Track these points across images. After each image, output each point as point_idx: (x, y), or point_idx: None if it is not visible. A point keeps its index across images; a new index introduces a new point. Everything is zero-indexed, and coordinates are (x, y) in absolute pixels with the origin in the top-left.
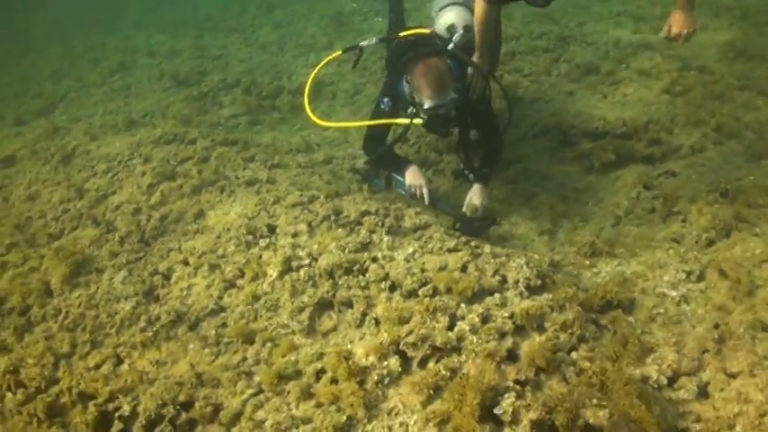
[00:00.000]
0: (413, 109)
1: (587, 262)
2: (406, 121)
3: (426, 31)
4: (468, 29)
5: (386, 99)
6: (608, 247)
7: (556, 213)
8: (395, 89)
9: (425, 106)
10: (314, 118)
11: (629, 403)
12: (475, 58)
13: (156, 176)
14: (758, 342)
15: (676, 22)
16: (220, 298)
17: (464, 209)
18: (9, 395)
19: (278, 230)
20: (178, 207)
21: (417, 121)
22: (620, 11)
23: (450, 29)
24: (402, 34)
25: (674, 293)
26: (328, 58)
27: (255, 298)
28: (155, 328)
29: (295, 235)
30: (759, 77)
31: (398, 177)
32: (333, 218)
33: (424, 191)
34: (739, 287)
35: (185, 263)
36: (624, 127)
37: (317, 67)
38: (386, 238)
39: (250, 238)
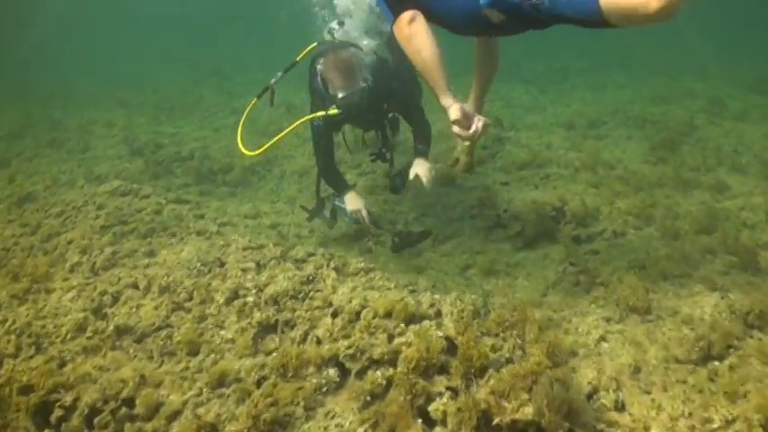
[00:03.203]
0: (328, 103)
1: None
2: (321, 112)
3: (314, 44)
4: (341, 23)
5: (315, 120)
6: (536, 306)
7: (487, 284)
8: (313, 88)
9: (339, 96)
10: (245, 151)
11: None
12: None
13: (108, 220)
14: (671, 371)
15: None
16: (168, 317)
17: (411, 177)
18: None
19: (227, 266)
20: (130, 246)
21: (333, 111)
22: (552, 121)
23: (330, 31)
24: (298, 58)
25: (594, 333)
26: (249, 107)
27: (203, 318)
28: (100, 338)
29: (244, 270)
30: (675, 178)
31: (340, 205)
32: (281, 257)
33: (363, 213)
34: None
35: (135, 286)
36: (553, 212)
37: (243, 116)
38: (332, 274)
39: (202, 268)
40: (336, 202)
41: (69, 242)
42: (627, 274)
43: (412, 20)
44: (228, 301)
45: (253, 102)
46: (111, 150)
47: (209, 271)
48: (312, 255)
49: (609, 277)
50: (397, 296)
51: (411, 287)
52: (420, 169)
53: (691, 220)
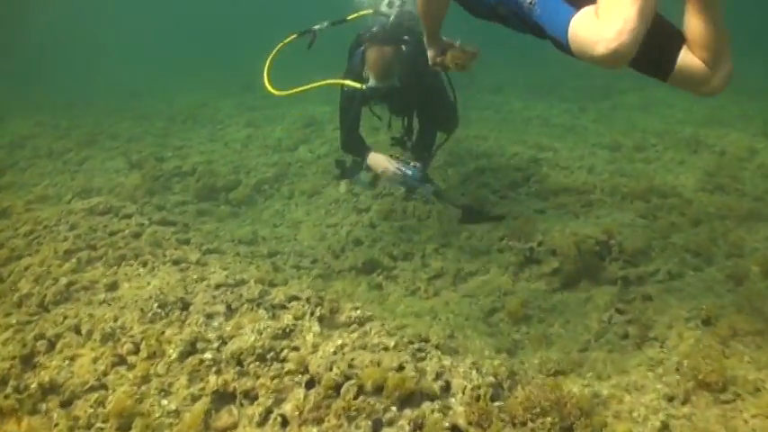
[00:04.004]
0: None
1: (551, 381)
2: (357, 84)
3: (369, 11)
4: (403, 2)
5: (347, 90)
6: (574, 368)
7: (517, 333)
8: (352, 62)
9: (370, 84)
10: (270, 88)
11: None
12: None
13: (76, 243)
14: None
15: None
16: (105, 374)
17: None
18: None
19: (191, 308)
20: (91, 276)
21: (359, 85)
22: (594, 142)
23: (390, 4)
24: (349, 17)
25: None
26: (285, 41)
27: (145, 379)
28: (20, 397)
29: (209, 315)
30: (737, 208)
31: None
32: (257, 301)
33: (391, 169)
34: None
35: (77, 331)
36: (597, 246)
37: (275, 49)
38: (314, 327)
39: (159, 311)
40: (359, 176)
41: (26, 268)
42: (688, 328)
43: None
44: (182, 357)
45: (291, 37)
46: (109, 163)
47: (167, 314)
48: (295, 299)
49: (666, 331)
50: (395, 362)
51: (418, 345)
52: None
53: (758, 259)
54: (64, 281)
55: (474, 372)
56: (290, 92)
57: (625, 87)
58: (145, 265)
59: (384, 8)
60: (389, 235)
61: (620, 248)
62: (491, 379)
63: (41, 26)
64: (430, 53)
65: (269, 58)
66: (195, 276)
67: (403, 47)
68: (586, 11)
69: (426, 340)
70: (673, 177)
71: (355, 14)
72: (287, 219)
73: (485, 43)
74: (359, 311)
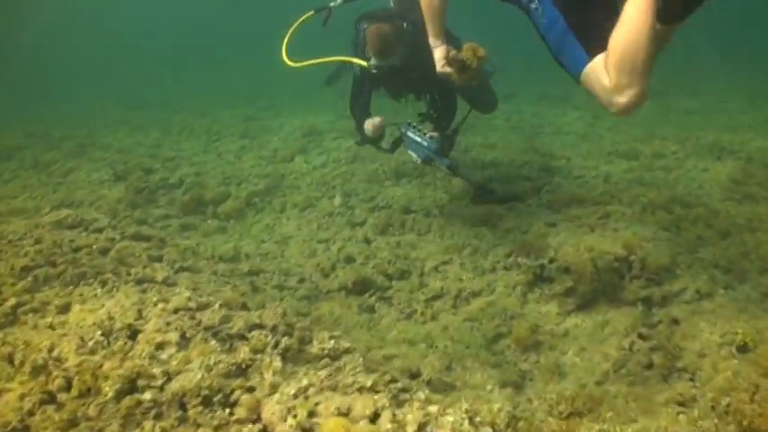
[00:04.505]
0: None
1: (563, 426)
2: (364, 63)
3: None
4: None
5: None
6: (592, 406)
7: (525, 362)
8: (354, 42)
9: (371, 62)
10: (286, 59)
11: None
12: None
13: (36, 259)
14: None
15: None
16: (31, 413)
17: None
18: None
19: (140, 337)
20: (44, 296)
21: (365, 63)
22: (610, 150)
23: None
24: None
25: None
26: (302, 18)
27: (72, 422)
28: None
29: (159, 345)
30: None
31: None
32: (215, 329)
33: (376, 122)
34: None
35: (10, 360)
36: (616, 262)
37: (293, 26)
38: (275, 363)
39: (102, 339)
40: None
41: None
42: (722, 357)
43: None
44: (118, 397)
45: (308, 14)
46: (95, 175)
47: (110, 344)
48: (258, 327)
49: (696, 360)
50: (368, 408)
51: (402, 383)
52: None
53: None
54: (12, 302)
55: (466, 422)
56: (303, 64)
57: None
58: (104, 284)
59: None
60: (385, 251)
61: (642, 265)
62: (488, 430)
63: (40, 27)
64: (436, 55)
65: (287, 34)
66: (155, 298)
67: (404, 25)
68: (599, 62)
69: (416, 375)
70: (696, 186)
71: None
72: (276, 234)
73: (495, 52)
74: (334, 342)
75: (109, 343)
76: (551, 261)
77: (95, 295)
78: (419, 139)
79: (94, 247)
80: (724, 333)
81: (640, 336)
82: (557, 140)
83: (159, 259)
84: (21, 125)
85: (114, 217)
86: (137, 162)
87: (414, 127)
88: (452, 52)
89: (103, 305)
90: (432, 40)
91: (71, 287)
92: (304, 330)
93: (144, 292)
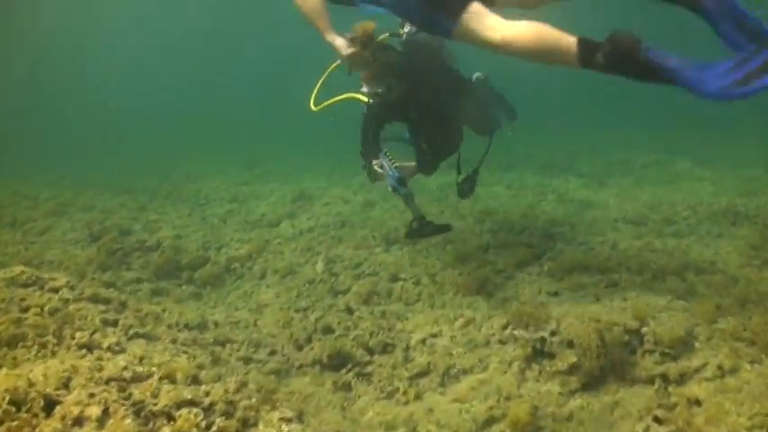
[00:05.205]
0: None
1: None
2: (364, 98)
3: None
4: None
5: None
6: None
7: None
8: None
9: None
10: (312, 105)
11: None
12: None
13: None
14: None
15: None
16: None
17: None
18: None
19: (57, 409)
20: None
21: (363, 97)
22: (617, 216)
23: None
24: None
25: None
26: (330, 69)
27: None
28: None
29: (76, 422)
30: None
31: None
32: (141, 404)
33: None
34: None
35: None
36: (626, 335)
37: (325, 73)
38: None
39: (10, 408)
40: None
41: None
42: None
43: None
44: None
45: (335, 64)
46: (70, 234)
47: (16, 416)
48: (190, 404)
49: None
50: None
51: None
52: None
53: None
54: None
55: None
56: (321, 106)
57: (647, 162)
58: (43, 347)
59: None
60: (368, 321)
61: (656, 337)
62: None
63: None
64: (337, 43)
65: (317, 84)
66: (90, 365)
67: (393, 54)
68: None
69: None
70: (711, 252)
71: (382, 36)
72: (252, 301)
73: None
74: (285, 426)
75: (16, 415)
76: (553, 334)
77: (28, 359)
78: (387, 168)
79: (45, 307)
80: (753, 415)
81: (656, 419)
82: (560, 207)
83: (114, 324)
84: (6, 185)
85: (82, 278)
86: (115, 223)
87: (386, 155)
88: (347, 34)
89: (31, 370)
90: (327, 37)
91: (5, 348)
92: (250, 410)
93: (82, 357)
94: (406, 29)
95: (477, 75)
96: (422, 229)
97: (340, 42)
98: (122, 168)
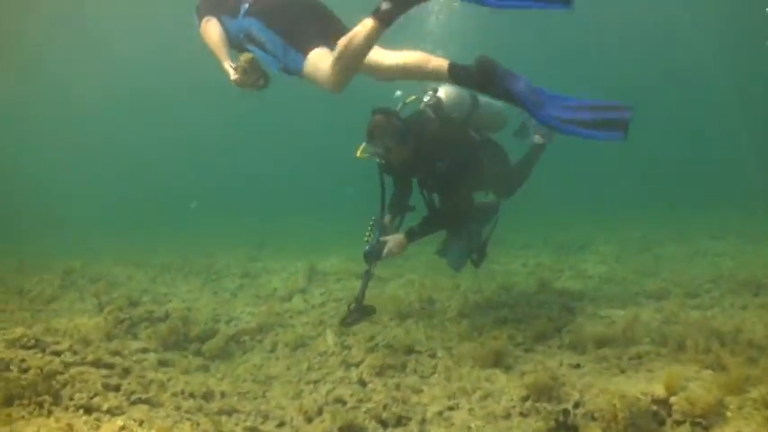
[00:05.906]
0: None
1: None
2: (364, 152)
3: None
4: (435, 91)
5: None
6: None
7: None
8: None
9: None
10: (358, 154)
11: None
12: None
13: None
14: None
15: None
16: None
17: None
18: None
19: None
20: None
21: (365, 154)
22: (637, 291)
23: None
24: (407, 100)
25: None
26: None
27: None
28: None
29: None
30: None
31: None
32: None
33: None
34: None
35: None
36: (653, 406)
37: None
38: None
39: None
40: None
41: None
42: None
43: (208, 20)
44: None
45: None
46: (78, 304)
47: None
48: None
49: None
50: None
51: None
52: (390, 241)
53: None
54: None
55: None
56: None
57: (665, 238)
58: (40, 406)
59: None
60: (381, 394)
61: (683, 409)
62: None
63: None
64: (227, 69)
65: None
66: (85, 427)
67: (397, 121)
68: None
69: None
70: (737, 323)
71: (403, 102)
72: (261, 373)
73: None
74: None
75: None
76: (576, 406)
77: (23, 416)
78: (366, 239)
79: (44, 369)
80: None
81: None
82: (578, 283)
83: (117, 389)
84: (18, 252)
85: (87, 345)
86: (124, 294)
87: (370, 224)
88: (234, 63)
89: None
90: (224, 65)
91: (6, 409)
92: None
93: (77, 417)
94: (426, 98)
95: (537, 137)
96: (352, 312)
97: (228, 68)
98: (134, 242)
